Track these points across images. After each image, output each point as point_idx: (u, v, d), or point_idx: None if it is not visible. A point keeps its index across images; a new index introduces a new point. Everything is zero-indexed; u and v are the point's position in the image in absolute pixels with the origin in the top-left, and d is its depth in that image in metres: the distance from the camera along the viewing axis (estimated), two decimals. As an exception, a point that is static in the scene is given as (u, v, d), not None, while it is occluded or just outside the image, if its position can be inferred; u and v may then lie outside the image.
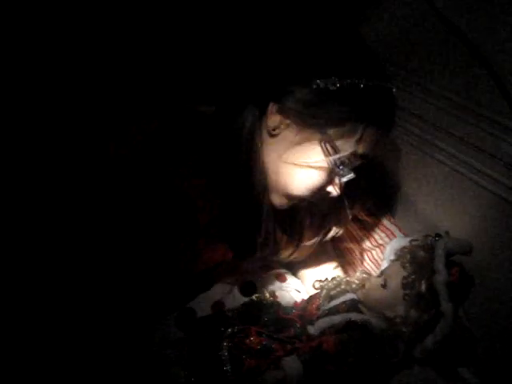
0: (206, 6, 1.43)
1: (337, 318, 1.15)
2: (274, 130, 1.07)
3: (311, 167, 1.07)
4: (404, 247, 1.19)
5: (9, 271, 1.10)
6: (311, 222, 1.31)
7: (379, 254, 1.36)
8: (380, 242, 1.38)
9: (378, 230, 1.40)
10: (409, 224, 1.41)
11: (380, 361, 1.11)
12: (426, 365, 1.16)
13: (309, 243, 1.34)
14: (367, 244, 1.40)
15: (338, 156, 1.06)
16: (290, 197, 1.14)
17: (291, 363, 1.07)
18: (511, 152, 1.08)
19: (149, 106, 1.17)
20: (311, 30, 1.09)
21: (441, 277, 1.08)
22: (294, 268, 1.45)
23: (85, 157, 1.13)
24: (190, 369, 1.11)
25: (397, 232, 1.38)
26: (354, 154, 1.07)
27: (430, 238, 1.16)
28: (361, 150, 1.07)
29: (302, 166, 1.08)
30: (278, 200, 1.16)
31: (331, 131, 1.04)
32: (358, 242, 1.41)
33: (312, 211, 1.28)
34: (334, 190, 1.13)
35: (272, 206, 1.18)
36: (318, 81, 1.01)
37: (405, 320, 1.12)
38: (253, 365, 1.09)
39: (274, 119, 1.07)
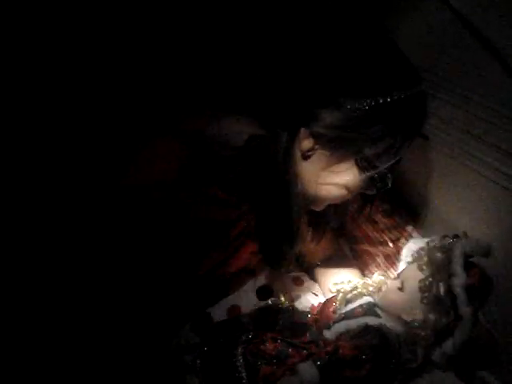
0: (233, 28, 1.42)
1: (353, 323, 1.14)
2: (306, 152, 1.07)
3: (348, 186, 1.09)
4: (421, 249, 1.17)
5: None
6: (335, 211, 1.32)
7: (396, 256, 1.33)
8: (397, 243, 1.36)
9: (395, 232, 1.38)
10: (427, 225, 1.39)
11: (398, 366, 1.10)
12: (447, 369, 1.14)
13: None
14: (384, 246, 1.38)
15: (375, 172, 1.06)
16: (327, 205, 1.18)
17: (307, 369, 1.06)
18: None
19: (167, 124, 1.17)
20: (336, 50, 1.05)
21: (459, 279, 1.06)
22: (311, 271, 1.43)
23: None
24: (204, 375, 1.11)
25: (414, 233, 1.36)
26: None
27: (448, 239, 1.14)
28: (396, 158, 1.07)
29: (338, 185, 1.09)
30: (315, 207, 1.18)
31: (367, 150, 1.03)
32: (375, 244, 1.39)
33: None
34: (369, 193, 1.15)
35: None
36: (346, 104, 0.99)
37: (423, 324, 1.10)
38: (268, 371, 1.08)
39: (306, 143, 1.06)
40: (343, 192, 1.11)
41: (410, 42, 1.26)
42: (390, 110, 1.00)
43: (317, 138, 1.04)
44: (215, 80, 1.38)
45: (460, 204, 1.27)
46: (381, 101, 0.98)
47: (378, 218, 1.39)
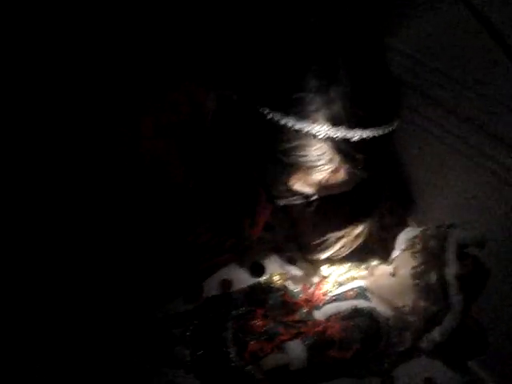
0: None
1: (343, 305, 1.15)
2: None
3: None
4: (415, 236, 1.17)
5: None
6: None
7: (391, 242, 1.33)
8: (393, 230, 1.36)
9: (391, 219, 1.37)
10: (423, 214, 1.39)
11: (386, 349, 1.10)
12: (434, 356, 1.15)
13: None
14: (380, 232, 1.38)
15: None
16: None
17: (295, 347, 1.07)
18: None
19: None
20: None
21: (451, 268, 1.07)
22: (305, 252, 1.43)
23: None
24: (193, 348, 1.12)
25: (410, 221, 1.36)
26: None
27: (443, 229, 1.15)
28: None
29: None
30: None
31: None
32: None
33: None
34: None
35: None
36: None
37: (412, 310, 1.11)
38: (256, 348, 1.08)
39: None
40: None
41: (419, 36, 1.26)
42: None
43: None
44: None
45: (457, 194, 1.27)
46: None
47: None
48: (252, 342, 1.09)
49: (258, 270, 1.27)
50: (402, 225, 1.33)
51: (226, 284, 1.24)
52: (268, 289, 1.22)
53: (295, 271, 1.31)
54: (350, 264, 1.26)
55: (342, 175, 0.92)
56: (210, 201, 1.13)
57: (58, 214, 1.09)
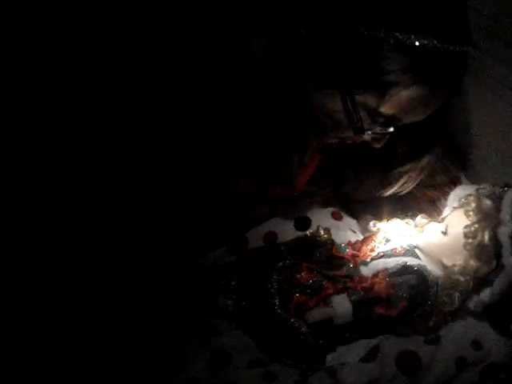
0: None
1: (392, 261, 1.13)
2: None
3: None
4: (469, 195, 1.14)
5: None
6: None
7: (442, 200, 1.31)
8: (444, 188, 1.33)
9: (443, 177, 1.34)
10: (477, 173, 1.35)
11: (433, 308, 1.09)
12: (482, 318, 1.12)
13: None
14: (431, 189, 1.35)
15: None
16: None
17: (341, 302, 1.06)
18: None
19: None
20: None
21: (506, 228, 1.04)
22: (351, 207, 1.41)
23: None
24: (237, 299, 1.12)
25: (463, 179, 1.33)
26: None
27: (498, 188, 1.12)
28: None
29: None
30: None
31: None
32: (422, 186, 1.36)
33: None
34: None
35: None
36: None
37: (463, 270, 1.09)
38: (301, 300, 1.08)
39: None
40: None
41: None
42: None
43: None
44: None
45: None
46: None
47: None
48: (297, 295, 1.09)
49: (304, 224, 1.26)
50: (454, 183, 1.30)
51: (271, 236, 1.24)
52: (314, 242, 1.21)
53: (342, 226, 1.30)
54: (398, 221, 1.24)
55: (434, 95, 0.92)
56: (255, 146, 1.11)
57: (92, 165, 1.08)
